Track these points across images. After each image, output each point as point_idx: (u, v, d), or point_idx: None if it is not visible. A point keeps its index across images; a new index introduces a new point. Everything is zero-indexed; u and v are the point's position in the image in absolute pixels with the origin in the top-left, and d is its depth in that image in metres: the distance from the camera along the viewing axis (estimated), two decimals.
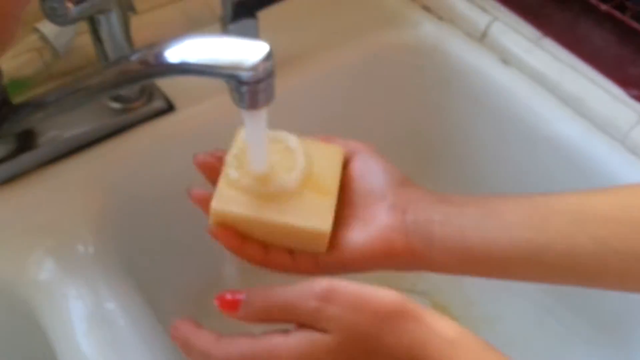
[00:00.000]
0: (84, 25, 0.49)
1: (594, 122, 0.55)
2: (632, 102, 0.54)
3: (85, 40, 0.53)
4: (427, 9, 0.66)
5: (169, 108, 0.55)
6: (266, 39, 0.58)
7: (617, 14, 0.57)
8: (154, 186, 0.55)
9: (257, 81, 0.34)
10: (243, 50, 0.34)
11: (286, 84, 0.59)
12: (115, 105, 0.53)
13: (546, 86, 0.58)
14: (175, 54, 0.35)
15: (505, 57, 0.60)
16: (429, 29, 0.64)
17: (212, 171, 0.42)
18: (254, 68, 0.33)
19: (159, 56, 0.36)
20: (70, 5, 0.41)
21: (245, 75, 0.34)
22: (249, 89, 0.34)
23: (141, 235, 0.56)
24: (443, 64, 0.64)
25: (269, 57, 0.34)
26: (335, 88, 0.63)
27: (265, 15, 0.58)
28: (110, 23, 0.46)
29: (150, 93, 0.54)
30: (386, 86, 0.66)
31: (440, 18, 0.65)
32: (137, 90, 0.53)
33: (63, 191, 0.50)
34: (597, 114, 0.55)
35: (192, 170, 0.57)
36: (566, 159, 0.56)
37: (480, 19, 0.62)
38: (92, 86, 0.38)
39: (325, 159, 0.42)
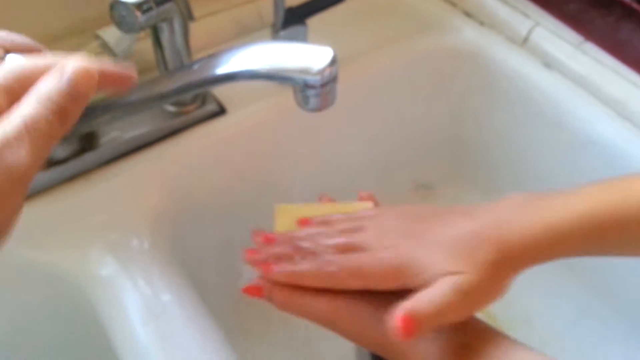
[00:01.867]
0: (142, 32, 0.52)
1: (637, 125, 0.56)
2: None
3: (143, 45, 0.56)
4: (468, 14, 0.67)
5: (221, 111, 0.57)
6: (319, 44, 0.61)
7: None
8: (206, 186, 0.57)
9: (324, 84, 0.35)
10: (310, 56, 0.35)
11: (338, 87, 0.61)
12: (171, 108, 0.55)
13: (589, 90, 0.59)
14: (243, 60, 0.37)
15: (547, 61, 0.61)
16: (470, 34, 0.66)
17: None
18: (320, 72, 0.35)
19: (227, 63, 0.38)
20: (139, 14, 0.43)
21: (312, 79, 0.35)
22: (315, 92, 0.35)
23: (194, 234, 0.58)
24: (484, 68, 0.65)
25: (334, 61, 0.36)
26: (377, 94, 0.64)
27: (313, 22, 0.60)
28: (172, 30, 0.48)
29: (203, 97, 0.56)
30: (428, 91, 0.67)
31: (482, 23, 0.66)
32: (191, 95, 0.55)
33: (122, 189, 0.52)
34: (639, 117, 0.56)
35: (242, 170, 0.59)
36: (609, 162, 0.57)
37: (521, 24, 0.63)
38: (160, 92, 0.40)
39: None
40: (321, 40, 0.62)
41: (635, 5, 0.59)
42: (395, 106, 0.67)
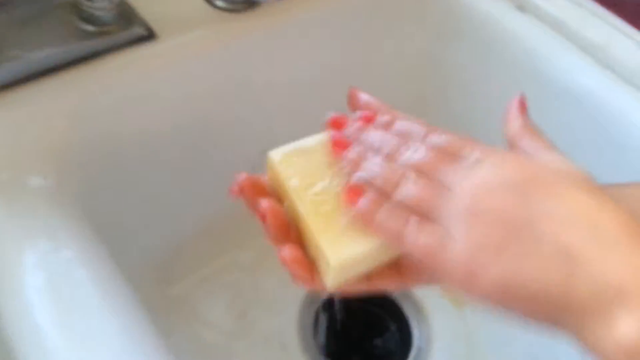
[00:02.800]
0: None
1: (617, 72, 0.51)
2: None
3: None
4: None
5: (150, 35, 0.48)
6: None
7: None
8: (129, 124, 0.48)
9: None
10: None
11: (287, 20, 0.53)
12: (88, 27, 0.46)
13: (566, 34, 0.53)
14: None
15: (521, 3, 0.56)
16: None
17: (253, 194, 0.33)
18: None
19: None
20: None
21: None
22: None
23: (112, 181, 0.49)
24: (451, 13, 0.59)
25: None
26: (337, 30, 0.57)
27: None
28: None
29: (128, 18, 0.47)
30: (390, 34, 0.60)
31: None
32: (114, 13, 0.46)
33: (21, 121, 0.43)
34: (621, 64, 0.51)
35: (175, 107, 0.50)
36: (587, 112, 0.52)
37: None
38: None
39: None
40: None
41: None
42: (354, 49, 0.60)
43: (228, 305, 0.59)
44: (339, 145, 0.32)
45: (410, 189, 0.29)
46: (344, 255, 0.29)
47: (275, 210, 0.31)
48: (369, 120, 0.33)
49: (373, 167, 0.30)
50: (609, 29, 0.52)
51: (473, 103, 0.61)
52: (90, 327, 0.35)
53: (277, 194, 0.33)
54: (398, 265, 0.32)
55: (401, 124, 0.32)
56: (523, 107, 0.33)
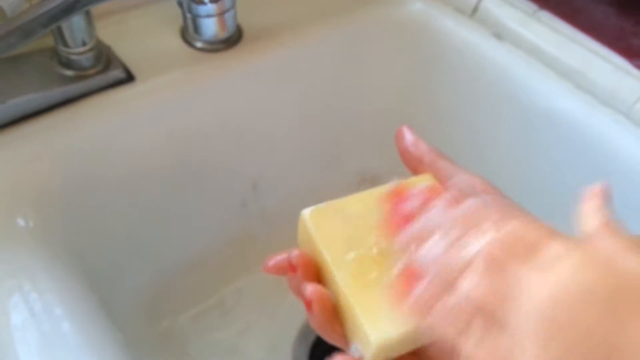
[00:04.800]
0: None
1: (596, 95, 0.50)
2: (637, 72, 0.50)
3: None
4: None
5: (128, 78, 0.49)
6: (242, 12, 0.54)
7: None
8: (110, 165, 0.49)
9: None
10: None
11: (267, 58, 0.54)
12: (67, 72, 0.47)
13: (544, 60, 0.53)
14: None
15: (498, 31, 0.56)
16: (417, 6, 0.60)
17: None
18: None
19: None
20: None
21: None
22: (206, 10, 0.28)
23: (95, 222, 0.50)
24: (432, 42, 0.59)
25: None
26: (318, 66, 0.58)
27: None
28: None
29: (107, 61, 0.49)
30: (372, 66, 0.61)
31: None
32: (92, 57, 0.48)
33: (2, 163, 0.44)
34: (599, 87, 0.50)
35: (154, 148, 0.51)
36: (567, 135, 0.51)
37: None
38: (30, 20, 0.32)
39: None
40: (255, 8, 0.56)
41: None
42: (335, 84, 0.60)
43: (218, 341, 0.59)
44: (399, 219, 0.29)
45: (476, 284, 0.25)
46: (387, 335, 0.26)
47: (321, 294, 0.28)
48: (434, 193, 0.30)
49: (435, 249, 0.27)
50: (587, 53, 0.52)
51: (455, 130, 0.60)
52: None
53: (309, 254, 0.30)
54: (419, 355, 0.29)
55: (471, 203, 0.28)
56: (607, 198, 0.27)
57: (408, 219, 0.28)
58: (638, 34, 0.53)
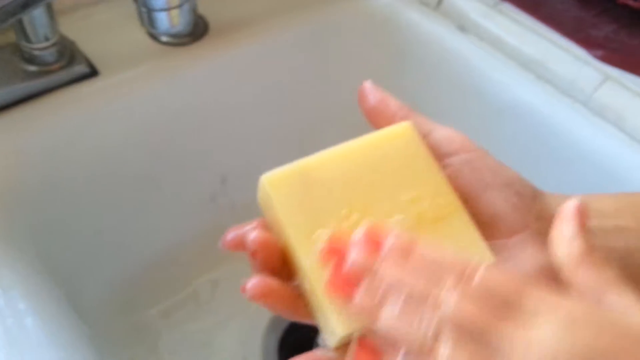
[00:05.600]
0: None
1: (556, 85, 0.52)
2: (596, 62, 0.51)
3: None
4: None
5: (92, 73, 0.49)
6: (208, 5, 0.54)
7: None
8: (75, 160, 0.49)
9: None
10: None
11: (233, 52, 0.54)
12: (30, 67, 0.47)
13: (506, 51, 0.54)
14: None
15: (462, 23, 0.57)
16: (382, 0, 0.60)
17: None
18: None
19: None
20: None
21: None
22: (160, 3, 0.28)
23: (60, 217, 0.50)
24: (398, 34, 0.60)
25: None
26: (285, 59, 0.58)
27: None
28: None
29: (71, 56, 0.49)
30: (339, 58, 0.61)
31: None
32: (55, 52, 0.47)
33: None
34: (559, 77, 0.51)
35: (119, 144, 0.51)
36: (529, 124, 0.52)
37: None
38: None
39: (397, 154, 0.28)
40: (217, 1, 0.56)
41: None
42: (303, 77, 0.61)
43: (190, 334, 0.59)
44: (342, 287, 0.24)
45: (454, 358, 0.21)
46: (352, 327, 0.24)
47: (267, 242, 0.26)
48: (376, 242, 0.24)
49: (392, 320, 0.22)
50: (547, 44, 0.53)
51: (425, 113, 0.61)
52: None
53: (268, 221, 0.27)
54: None
55: (425, 252, 0.23)
56: (583, 217, 0.24)
57: (352, 283, 0.24)
58: (597, 25, 0.54)
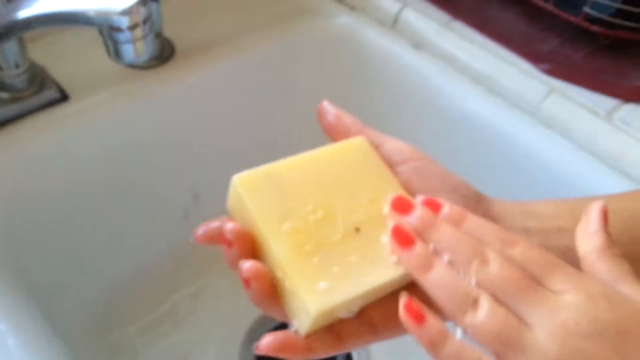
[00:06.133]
0: None
1: (506, 98, 0.55)
2: (542, 76, 0.54)
3: None
4: None
5: (63, 97, 0.51)
6: (173, 29, 0.56)
7: None
8: (48, 183, 0.51)
9: (133, 27, 0.31)
10: None
11: (199, 73, 0.56)
12: (2, 94, 0.49)
13: (458, 67, 0.57)
14: (39, 4, 0.32)
15: (417, 41, 0.60)
16: (342, 19, 0.63)
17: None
18: (127, 12, 0.31)
19: (22, 9, 0.32)
20: None
21: (117, 20, 0.30)
22: (125, 37, 0.31)
23: (36, 239, 0.51)
24: (357, 52, 0.63)
25: (144, 1, 0.31)
26: (249, 78, 0.60)
27: (172, 2, 0.56)
28: None
29: (41, 82, 0.50)
30: (302, 76, 0.64)
31: (353, 8, 0.64)
32: (26, 79, 0.49)
33: None
34: (508, 90, 0.55)
35: (90, 166, 0.53)
36: (481, 135, 0.56)
37: (390, 5, 0.61)
38: None
39: (352, 165, 0.31)
40: (181, 24, 0.58)
41: None
42: (268, 94, 0.63)
43: (169, 349, 0.60)
44: (402, 241, 0.27)
45: (485, 320, 0.24)
46: (326, 304, 0.26)
47: (259, 271, 0.27)
48: (434, 207, 0.28)
49: (441, 274, 0.26)
50: (496, 59, 0.56)
51: (383, 128, 0.64)
52: None
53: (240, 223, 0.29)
54: (371, 322, 0.29)
55: (473, 222, 0.27)
56: (606, 218, 0.28)
57: (410, 241, 0.27)
58: (543, 40, 0.58)
